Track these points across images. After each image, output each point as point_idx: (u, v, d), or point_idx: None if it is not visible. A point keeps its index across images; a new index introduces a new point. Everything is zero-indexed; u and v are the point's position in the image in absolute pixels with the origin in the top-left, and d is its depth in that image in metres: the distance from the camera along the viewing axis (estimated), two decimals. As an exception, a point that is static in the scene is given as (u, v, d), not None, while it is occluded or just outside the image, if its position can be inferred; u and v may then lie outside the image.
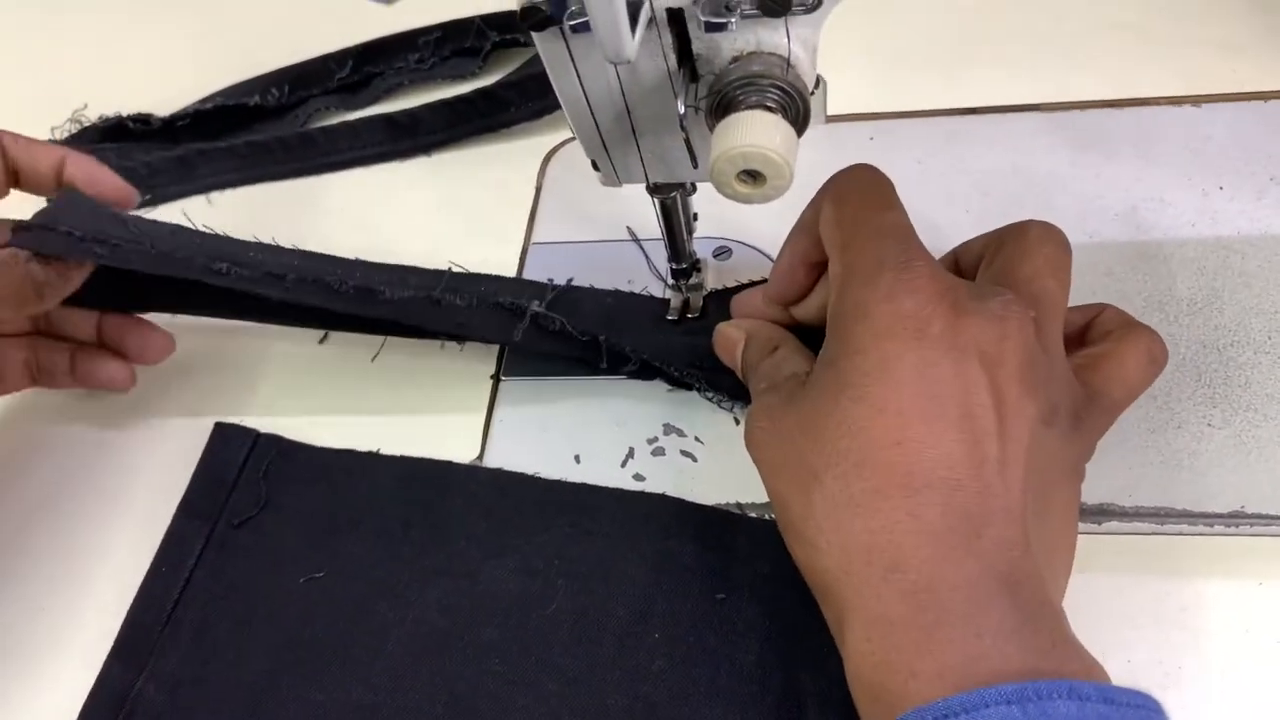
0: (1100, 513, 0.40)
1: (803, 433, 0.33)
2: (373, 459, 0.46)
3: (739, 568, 0.40)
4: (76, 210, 0.44)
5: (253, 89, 0.61)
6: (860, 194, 0.36)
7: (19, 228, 0.43)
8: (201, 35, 0.68)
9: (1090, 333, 0.38)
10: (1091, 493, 0.40)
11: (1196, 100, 0.52)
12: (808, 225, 0.38)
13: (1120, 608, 0.38)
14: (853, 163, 0.38)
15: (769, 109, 0.32)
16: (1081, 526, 0.40)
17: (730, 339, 0.42)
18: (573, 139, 0.57)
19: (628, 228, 0.52)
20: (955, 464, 0.31)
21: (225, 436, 0.47)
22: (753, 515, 0.42)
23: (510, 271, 0.52)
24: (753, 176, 0.32)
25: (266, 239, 0.56)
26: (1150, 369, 0.37)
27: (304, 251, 0.48)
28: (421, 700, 0.39)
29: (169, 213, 0.59)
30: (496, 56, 0.61)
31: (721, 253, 0.50)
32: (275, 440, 0.47)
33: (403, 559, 0.42)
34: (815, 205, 0.38)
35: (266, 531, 0.44)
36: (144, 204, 0.59)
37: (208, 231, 0.48)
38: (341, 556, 0.43)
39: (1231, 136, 0.50)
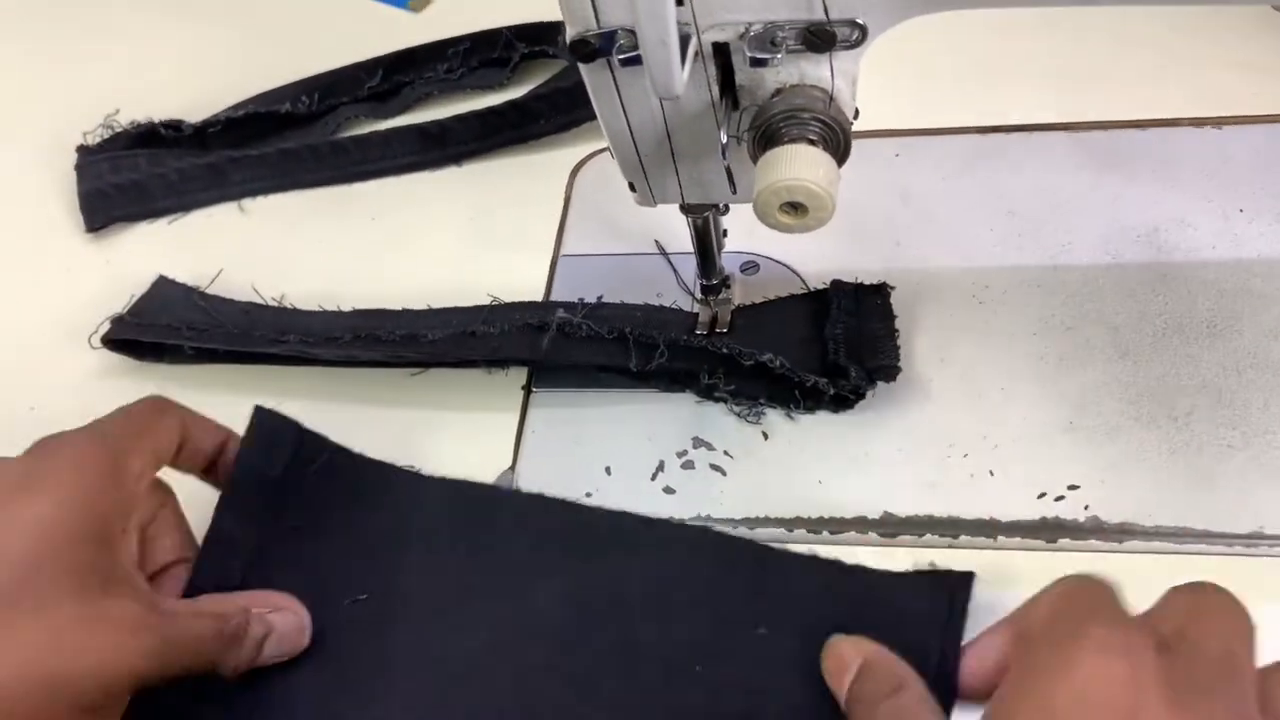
0: (1121, 532, 0.41)
1: None
2: (418, 478, 0.45)
3: (782, 603, 0.40)
4: (163, 295, 0.52)
5: (284, 96, 0.62)
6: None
7: (118, 319, 0.50)
8: (234, 42, 0.69)
9: (1266, 704, 0.30)
10: (1112, 512, 0.42)
11: (1218, 122, 0.53)
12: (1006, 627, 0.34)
13: (1141, 626, 0.39)
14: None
15: (811, 142, 0.33)
16: (1101, 546, 0.41)
17: (843, 661, 0.36)
18: (601, 151, 0.58)
19: (656, 241, 0.53)
20: None
21: (267, 425, 0.44)
22: (795, 550, 0.41)
23: (540, 283, 0.53)
24: (795, 208, 0.33)
25: (298, 246, 0.57)
26: None
27: (357, 311, 0.51)
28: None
29: (200, 219, 0.60)
30: (524, 67, 0.62)
31: (749, 267, 0.51)
32: (320, 440, 0.45)
33: (449, 581, 0.42)
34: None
35: (311, 544, 0.43)
36: (175, 210, 0.60)
37: (274, 305, 0.53)
38: (386, 579, 0.42)
39: (1253, 159, 0.51)
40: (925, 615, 0.37)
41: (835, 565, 0.40)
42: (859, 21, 0.32)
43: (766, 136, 0.34)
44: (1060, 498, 0.42)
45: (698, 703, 0.38)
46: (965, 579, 0.38)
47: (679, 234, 0.52)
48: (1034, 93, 0.56)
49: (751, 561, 0.41)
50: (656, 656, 0.39)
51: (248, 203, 0.60)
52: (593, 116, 0.57)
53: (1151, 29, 0.58)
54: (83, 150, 0.61)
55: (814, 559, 0.40)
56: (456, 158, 0.59)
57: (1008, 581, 0.41)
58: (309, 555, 0.43)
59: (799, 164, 0.32)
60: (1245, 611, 0.30)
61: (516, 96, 0.59)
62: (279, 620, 0.39)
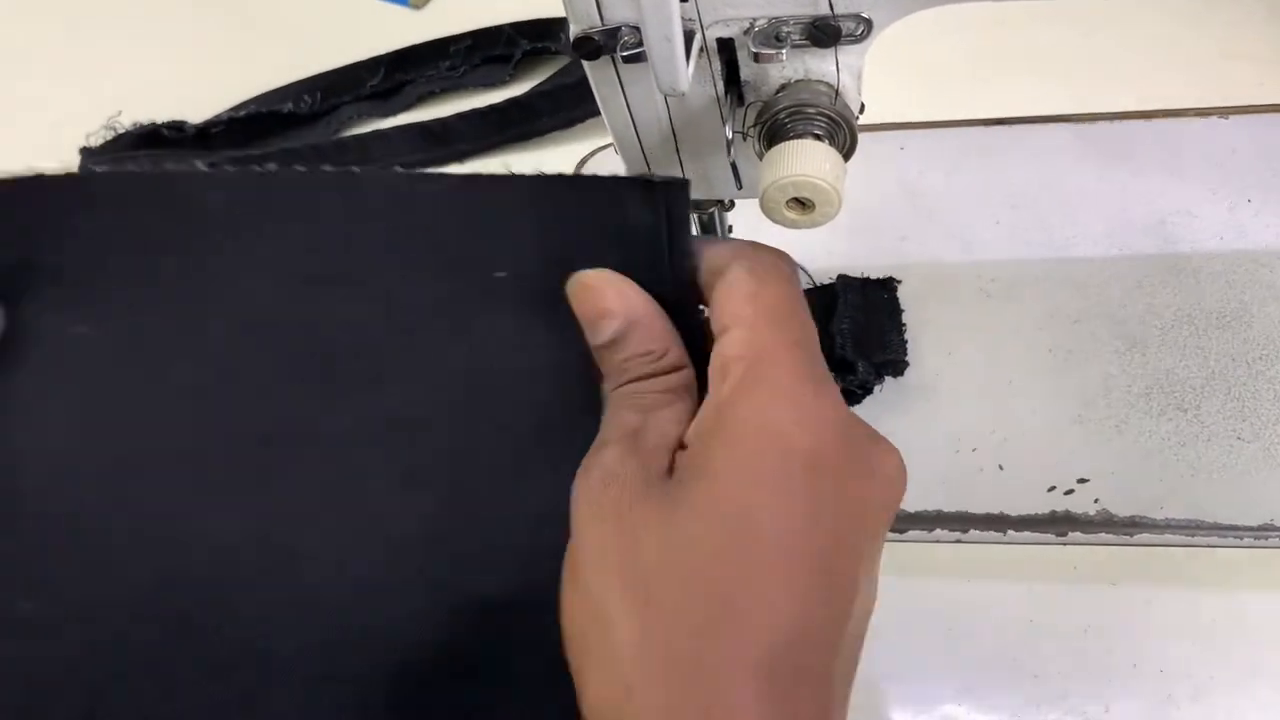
0: (1131, 525, 0.41)
1: (657, 542, 0.28)
2: (84, 180, 0.40)
3: (514, 240, 0.35)
4: None
5: (285, 96, 0.62)
6: (785, 286, 0.31)
7: None
8: (234, 42, 0.68)
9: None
10: (1122, 506, 0.41)
11: (1224, 112, 0.52)
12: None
13: (1151, 619, 0.39)
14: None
15: (817, 137, 0.33)
16: (1112, 539, 0.41)
17: (602, 304, 0.32)
18: (605, 147, 0.58)
19: (661, 238, 0.53)
20: (812, 638, 0.27)
21: None
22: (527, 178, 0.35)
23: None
24: (802, 204, 0.33)
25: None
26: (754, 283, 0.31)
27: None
28: (223, 438, 0.37)
29: (204, 219, 0.60)
30: (527, 64, 0.62)
31: (754, 263, 0.51)
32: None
33: (160, 294, 0.38)
34: (722, 258, 0.32)
35: (18, 284, 0.38)
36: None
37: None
38: (100, 303, 0.38)
39: (1259, 149, 0.51)
40: (649, 228, 0.34)
41: (551, 180, 0.35)
42: (864, 15, 0.32)
43: (772, 132, 0.33)
44: (1070, 491, 0.42)
45: (458, 365, 0.36)
46: (682, 185, 0.33)
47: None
48: (1038, 85, 0.56)
49: (481, 198, 0.36)
50: (399, 327, 0.36)
51: (251, 203, 0.60)
52: (596, 113, 0.57)
53: (1156, 19, 0.58)
54: (85, 152, 0.61)
55: (540, 179, 0.35)
56: (460, 156, 0.59)
57: (1018, 575, 0.41)
58: (19, 295, 0.38)
59: (805, 160, 0.32)
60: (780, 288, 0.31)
61: (519, 94, 0.59)
62: None
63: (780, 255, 0.32)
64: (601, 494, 0.29)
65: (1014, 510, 0.42)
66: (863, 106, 0.35)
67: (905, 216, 0.52)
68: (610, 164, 0.57)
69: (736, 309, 0.31)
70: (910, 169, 0.53)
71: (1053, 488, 0.42)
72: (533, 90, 0.58)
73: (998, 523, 0.42)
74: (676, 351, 0.32)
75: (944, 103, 0.56)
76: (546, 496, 0.33)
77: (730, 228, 0.47)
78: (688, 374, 0.32)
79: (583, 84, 0.58)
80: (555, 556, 0.31)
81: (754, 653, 0.26)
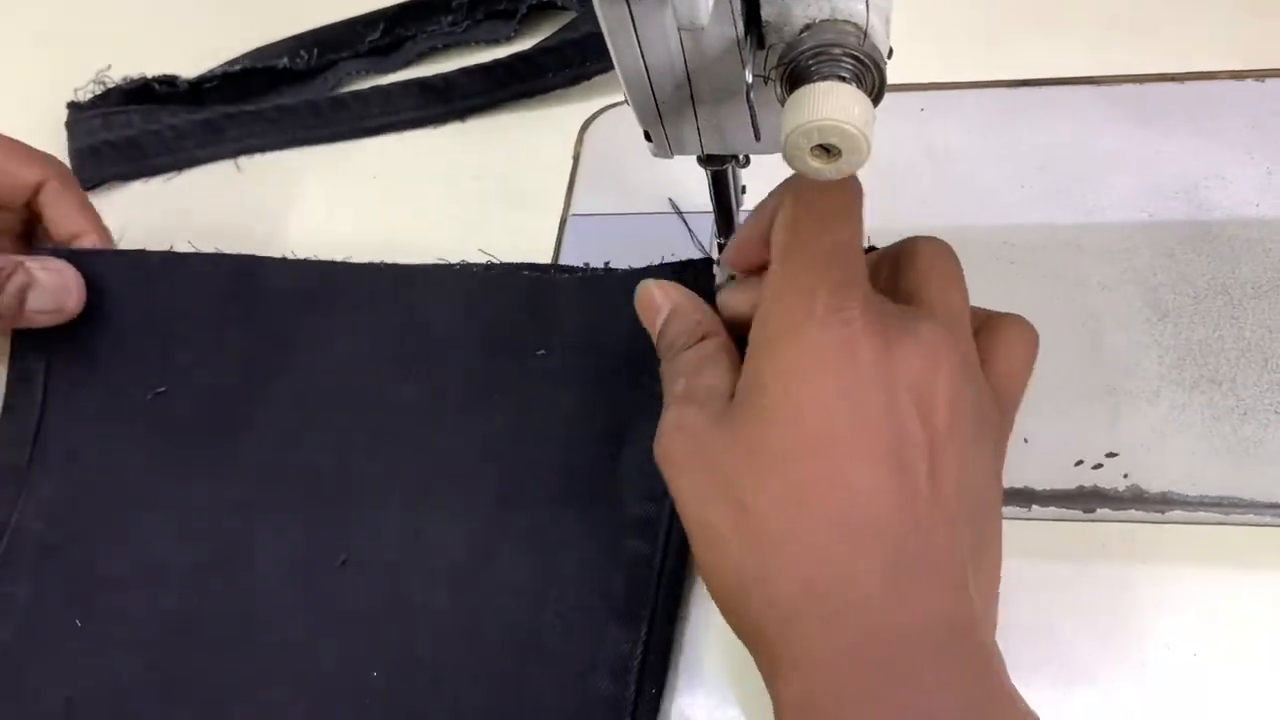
0: (1163, 502, 0.39)
1: (733, 461, 0.32)
2: (177, 258, 0.46)
3: (553, 323, 0.44)
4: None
5: (281, 51, 0.59)
6: (823, 201, 0.34)
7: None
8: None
9: None
10: (1153, 481, 0.40)
11: (1260, 75, 0.50)
12: (769, 209, 0.36)
13: (1186, 600, 0.37)
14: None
15: (843, 79, 0.31)
16: (1142, 515, 0.39)
17: (652, 302, 0.39)
18: (612, 106, 0.56)
19: (670, 200, 0.51)
20: (889, 504, 0.30)
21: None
22: (563, 275, 0.45)
23: (549, 243, 0.51)
24: (827, 151, 0.30)
25: (297, 205, 0.55)
26: (1031, 350, 0.36)
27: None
28: (289, 490, 0.43)
29: (196, 177, 0.58)
30: (532, 19, 0.60)
31: (767, 226, 0.49)
32: (77, 254, 0.46)
33: (236, 364, 0.45)
34: (779, 193, 0.36)
35: (100, 351, 0.45)
36: (170, 168, 0.58)
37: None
38: (177, 369, 0.45)
39: (1296, 113, 0.49)
40: None
41: (593, 275, 0.44)
42: (896, -51, 0.30)
43: (795, 75, 0.31)
44: (1098, 465, 0.40)
45: (499, 426, 0.42)
46: (706, 264, 0.42)
47: (693, 192, 0.50)
48: (1063, 45, 0.53)
49: (522, 291, 0.44)
50: (456, 393, 0.43)
51: (245, 160, 0.57)
52: (603, 70, 0.56)
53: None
54: (74, 107, 0.59)
55: (580, 279, 0.44)
56: (461, 113, 0.57)
57: (1044, 552, 0.39)
58: (100, 362, 0.45)
59: (831, 103, 0.30)
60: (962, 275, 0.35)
61: (524, 49, 0.57)
62: (43, 275, 0.43)
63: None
64: (672, 443, 0.34)
65: (1040, 485, 0.40)
66: (891, 51, 0.33)
67: (926, 180, 0.50)
68: (618, 123, 0.55)
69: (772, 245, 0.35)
70: (931, 131, 0.51)
71: (1080, 462, 0.40)
72: (538, 45, 0.56)
73: (1022, 497, 0.40)
74: (709, 324, 0.37)
75: (966, 63, 0.53)
76: (571, 522, 0.41)
77: (744, 187, 0.45)
78: (723, 340, 0.37)
79: (589, 39, 0.56)
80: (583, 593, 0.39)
81: (830, 512, 0.30)
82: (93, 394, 0.45)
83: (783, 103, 0.32)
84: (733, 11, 0.32)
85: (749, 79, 0.33)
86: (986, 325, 0.35)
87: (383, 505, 0.42)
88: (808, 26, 0.32)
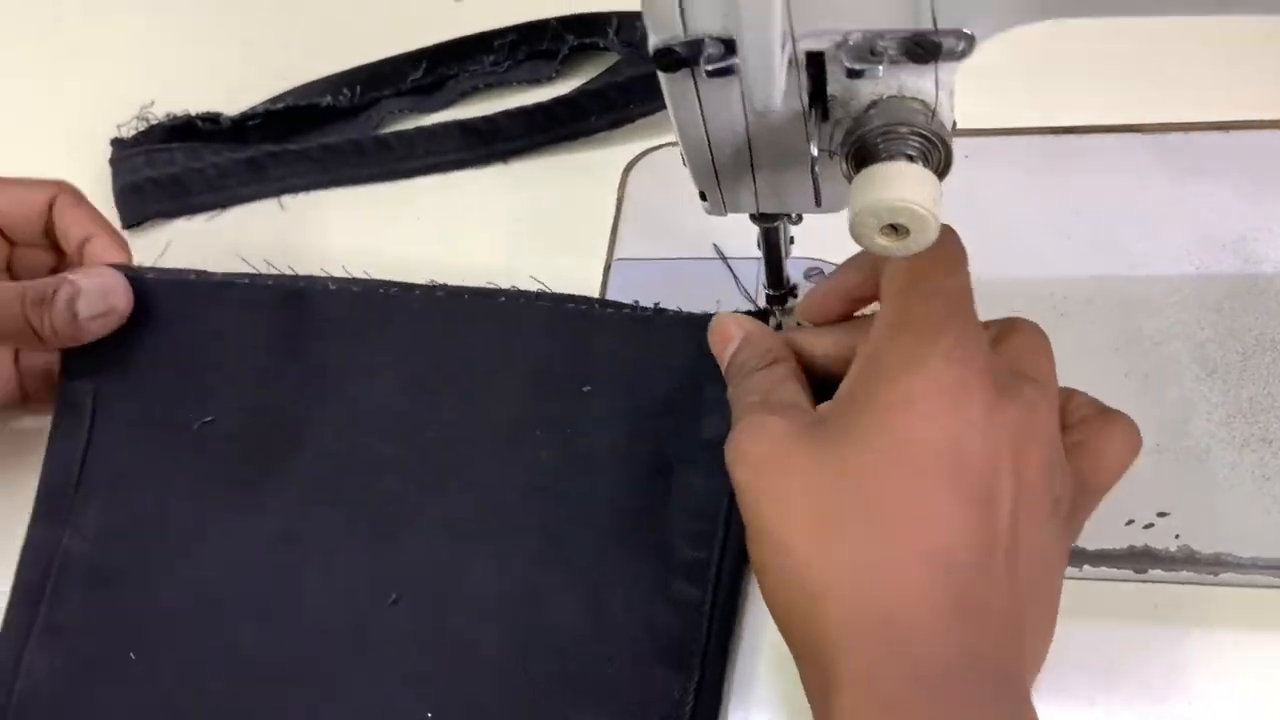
0: (1215, 564, 0.39)
1: (822, 473, 0.33)
2: (218, 285, 0.46)
3: (600, 359, 0.44)
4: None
5: (324, 89, 0.60)
6: (938, 250, 0.34)
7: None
8: (272, 32, 0.66)
9: (1063, 417, 0.37)
10: (1205, 542, 0.40)
11: (1309, 126, 0.50)
12: (863, 263, 0.38)
13: (1240, 664, 0.38)
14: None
15: (910, 158, 0.31)
16: (1194, 577, 0.39)
17: (726, 332, 0.40)
18: (655, 149, 0.56)
19: (714, 245, 0.51)
20: (974, 545, 0.31)
21: None
22: (609, 311, 0.45)
23: (593, 288, 0.51)
24: (895, 230, 0.31)
25: (340, 245, 0.56)
26: (1129, 454, 0.37)
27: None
28: (337, 521, 0.43)
29: (239, 216, 0.58)
30: (574, 60, 0.60)
31: (814, 273, 0.49)
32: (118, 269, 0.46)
33: (283, 392, 0.45)
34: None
35: (145, 378, 0.45)
36: (213, 206, 0.58)
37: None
38: (224, 397, 0.45)
39: (1345, 164, 0.49)
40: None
41: (642, 313, 0.44)
42: (966, 31, 0.30)
43: (862, 153, 0.31)
44: (1149, 525, 0.40)
45: (544, 459, 0.43)
46: (761, 315, 0.43)
47: (737, 236, 0.50)
48: (1106, 92, 0.53)
49: (568, 324, 0.45)
50: (499, 425, 0.43)
51: (288, 199, 0.58)
52: (646, 114, 0.56)
53: (1231, 23, 0.56)
54: (117, 143, 0.59)
55: (623, 316, 0.44)
56: (503, 155, 0.57)
57: (1095, 612, 0.40)
58: (147, 389, 0.45)
59: (901, 183, 0.30)
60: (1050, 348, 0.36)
61: (566, 91, 0.57)
62: (86, 281, 0.43)
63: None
64: (752, 444, 0.34)
65: (1091, 544, 0.40)
66: (954, 124, 0.33)
67: (968, 229, 0.49)
68: (661, 166, 0.55)
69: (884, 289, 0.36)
70: (974, 178, 0.51)
71: (1131, 521, 0.40)
72: (580, 88, 0.56)
73: (1074, 557, 0.40)
74: (781, 351, 0.39)
75: (1009, 109, 0.53)
76: (618, 562, 0.41)
77: (792, 239, 0.45)
78: (795, 366, 0.38)
79: (633, 83, 0.56)
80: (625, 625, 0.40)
81: (918, 544, 0.30)
82: (140, 420, 0.45)
83: (849, 179, 0.32)
84: (799, 86, 0.32)
85: (814, 153, 0.33)
86: (1098, 416, 0.36)
87: (429, 538, 0.42)
88: (874, 103, 0.32)
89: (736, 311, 0.42)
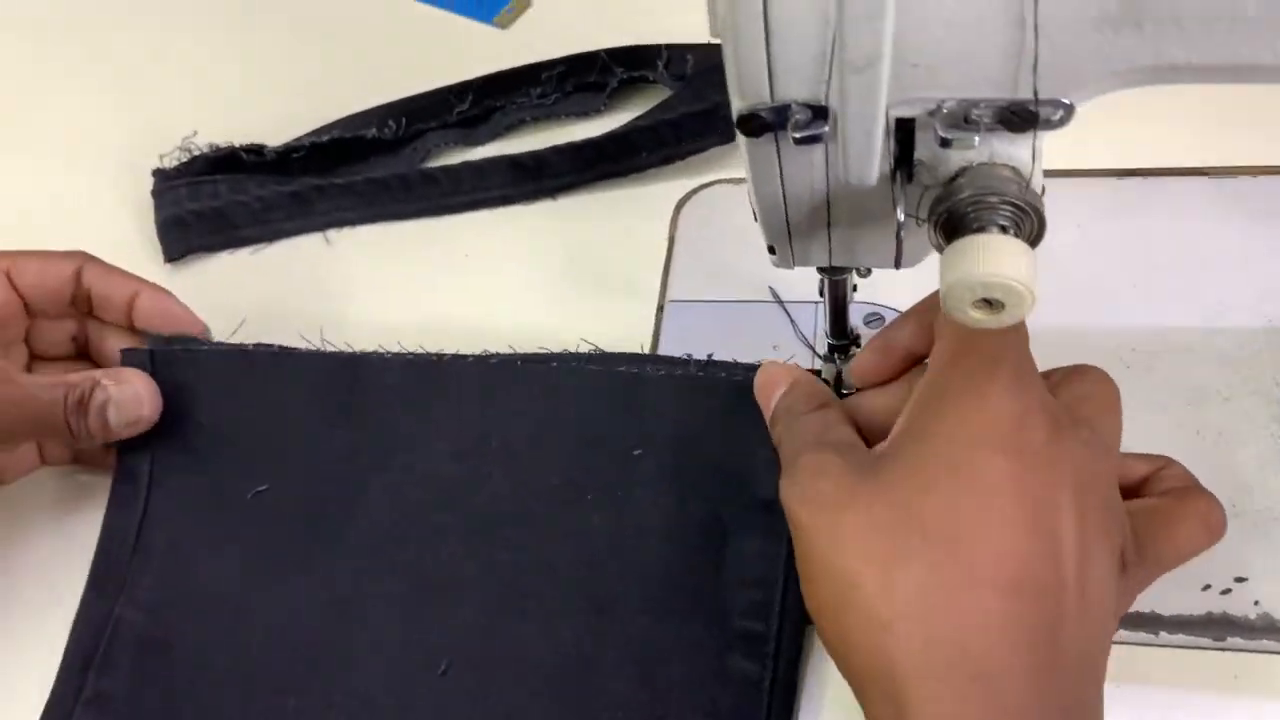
0: (1272, 630, 0.38)
1: (888, 508, 0.32)
2: (274, 358, 0.47)
3: (650, 423, 0.43)
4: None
5: (369, 121, 0.59)
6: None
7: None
8: (315, 62, 0.66)
9: (1149, 485, 0.37)
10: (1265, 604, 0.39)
11: (1382, 169, 0.49)
12: (922, 314, 0.37)
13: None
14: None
15: (1003, 229, 0.30)
16: (1276, 647, 0.38)
17: (774, 380, 0.40)
18: (706, 186, 0.55)
19: (770, 289, 0.50)
20: (1044, 579, 0.30)
21: (128, 363, 0.46)
22: (660, 373, 0.44)
23: (644, 331, 0.50)
24: (989, 304, 0.30)
25: (386, 282, 0.55)
26: (1204, 539, 0.36)
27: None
28: (390, 587, 0.43)
29: (284, 250, 0.57)
30: (622, 93, 0.59)
31: (873, 319, 0.48)
32: (169, 354, 0.46)
33: (338, 461, 0.45)
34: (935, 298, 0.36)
35: (201, 449, 0.46)
36: (257, 240, 0.57)
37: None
38: (278, 467, 0.45)
39: None
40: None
41: (694, 369, 0.44)
42: (1065, 101, 0.29)
43: (952, 222, 0.31)
44: (1227, 591, 0.39)
45: (595, 525, 0.42)
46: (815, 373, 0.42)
47: (792, 280, 0.49)
48: (1173, 134, 0.52)
49: (617, 390, 0.44)
50: (550, 493, 0.43)
51: (333, 234, 0.57)
52: (698, 150, 0.55)
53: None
54: (159, 174, 0.58)
55: (674, 378, 0.44)
56: (552, 191, 0.56)
57: (1173, 680, 0.39)
58: (203, 462, 0.46)
59: (996, 257, 0.29)
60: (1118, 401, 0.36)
61: (614, 125, 0.56)
62: (115, 389, 0.44)
63: None
64: (811, 487, 0.34)
65: (1166, 610, 0.39)
66: (1044, 189, 0.33)
67: None
68: (713, 204, 0.54)
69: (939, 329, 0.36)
70: (1037, 221, 0.50)
71: (1207, 586, 0.39)
72: (631, 124, 0.55)
73: (1150, 623, 0.39)
74: (829, 397, 0.39)
75: (1071, 149, 0.52)
76: (672, 633, 0.40)
77: (855, 286, 0.44)
78: (843, 411, 0.38)
79: (686, 120, 0.55)
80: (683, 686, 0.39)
81: (987, 573, 0.30)
82: (195, 491, 0.45)
83: (938, 249, 0.31)
84: (887, 151, 0.31)
85: (900, 218, 0.32)
86: (1184, 490, 0.36)
87: (480, 606, 0.42)
88: (963, 170, 0.31)
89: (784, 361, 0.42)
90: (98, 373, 0.44)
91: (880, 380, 0.39)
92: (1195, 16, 0.26)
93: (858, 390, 0.40)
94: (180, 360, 0.46)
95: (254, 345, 0.47)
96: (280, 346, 0.47)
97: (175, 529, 0.45)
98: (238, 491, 0.45)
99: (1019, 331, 0.34)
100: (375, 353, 0.46)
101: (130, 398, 0.44)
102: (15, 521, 0.49)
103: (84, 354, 0.49)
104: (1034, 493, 0.31)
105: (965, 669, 0.30)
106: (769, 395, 0.40)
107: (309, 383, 0.46)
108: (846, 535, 0.32)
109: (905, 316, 0.38)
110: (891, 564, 0.31)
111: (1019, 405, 0.32)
